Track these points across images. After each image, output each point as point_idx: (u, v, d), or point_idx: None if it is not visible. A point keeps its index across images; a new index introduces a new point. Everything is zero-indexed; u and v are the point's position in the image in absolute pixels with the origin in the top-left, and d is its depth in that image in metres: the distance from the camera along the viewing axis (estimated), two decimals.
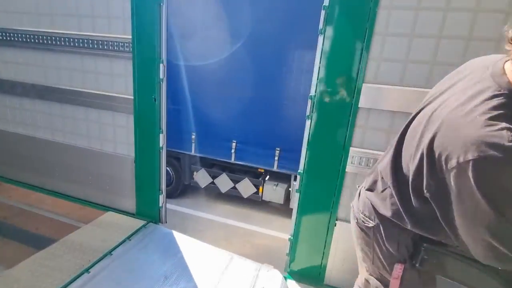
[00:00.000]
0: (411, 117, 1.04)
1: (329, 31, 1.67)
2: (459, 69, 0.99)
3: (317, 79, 1.74)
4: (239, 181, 4.30)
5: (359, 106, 1.69)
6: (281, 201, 4.21)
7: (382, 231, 1.06)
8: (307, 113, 1.83)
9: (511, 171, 0.68)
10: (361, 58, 1.63)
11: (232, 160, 4.17)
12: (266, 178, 4.28)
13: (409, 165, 0.93)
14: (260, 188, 4.26)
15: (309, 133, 1.83)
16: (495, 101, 0.73)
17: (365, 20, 1.58)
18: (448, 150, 0.77)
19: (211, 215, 4.13)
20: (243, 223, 4.04)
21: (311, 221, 1.97)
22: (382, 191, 1.06)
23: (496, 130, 0.69)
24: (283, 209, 4.33)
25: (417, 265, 0.99)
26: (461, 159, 0.72)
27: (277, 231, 3.82)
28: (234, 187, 4.34)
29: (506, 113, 0.72)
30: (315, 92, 1.77)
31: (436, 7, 1.49)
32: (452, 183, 0.77)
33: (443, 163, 0.78)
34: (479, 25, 1.45)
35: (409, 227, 0.97)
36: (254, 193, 4.29)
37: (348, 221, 1.79)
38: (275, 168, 4.01)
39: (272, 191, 4.22)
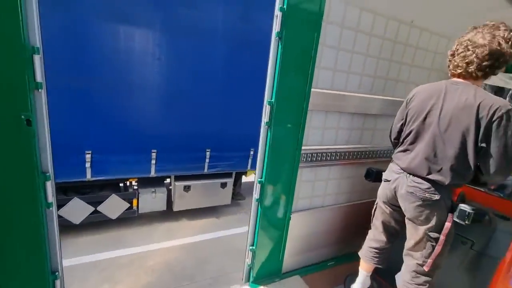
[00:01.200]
0: (418, 121, 1.52)
1: (287, 35, 1.62)
2: (427, 94, 1.52)
3: (276, 84, 1.68)
4: (103, 201, 3.23)
5: (308, 108, 1.85)
6: (164, 207, 3.70)
7: (440, 194, 1.44)
8: (266, 119, 1.74)
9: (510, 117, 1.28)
10: (310, 65, 1.76)
11: (88, 178, 3.01)
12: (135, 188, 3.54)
13: (464, 144, 1.37)
14: (135, 200, 3.46)
15: (269, 139, 1.77)
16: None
17: (315, 30, 1.70)
18: (491, 114, 1.29)
19: (71, 259, 2.86)
20: (121, 250, 3.18)
21: (270, 223, 2.00)
22: (439, 170, 1.44)
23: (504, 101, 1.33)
24: (161, 214, 3.85)
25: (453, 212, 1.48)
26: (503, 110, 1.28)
27: (169, 240, 3.39)
28: (95, 211, 3.22)
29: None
30: (273, 98, 1.70)
31: (353, 29, 1.90)
32: (497, 131, 1.29)
33: (490, 121, 1.29)
34: (385, 49, 2.04)
35: (455, 184, 1.45)
36: (126, 210, 3.42)
37: (299, 210, 2.05)
38: (152, 174, 3.38)
39: (152, 200, 3.57)
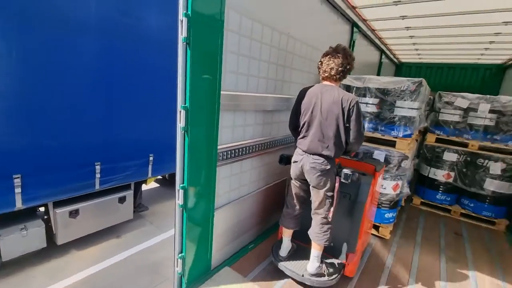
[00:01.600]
0: (308, 114, 2.05)
1: (194, 40, 1.65)
2: (311, 95, 2.06)
3: (189, 89, 1.69)
4: None
5: (220, 109, 1.96)
6: (44, 244, 2.91)
7: (330, 165, 2.01)
8: (181, 125, 1.72)
9: (358, 106, 1.97)
10: (218, 69, 1.86)
11: None
12: None
13: (338, 126, 1.97)
14: None
15: (187, 144, 1.77)
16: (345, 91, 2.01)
17: (219, 36, 1.80)
18: (349, 104, 1.92)
19: None
20: None
21: (196, 226, 2.02)
22: (327, 147, 2.00)
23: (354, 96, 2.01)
24: (38, 253, 3.03)
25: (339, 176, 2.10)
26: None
27: (57, 282, 2.74)
28: None
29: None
30: (187, 102, 1.71)
31: (248, 37, 2.13)
32: (353, 114, 1.93)
33: (349, 109, 1.93)
34: (273, 55, 2.36)
35: (337, 155, 2.05)
36: None
37: (221, 206, 2.20)
38: (18, 206, 2.60)
39: (22, 240, 2.75)
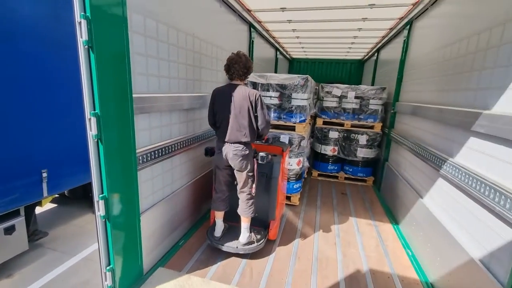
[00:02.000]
0: (224, 110, 2.37)
1: (97, 43, 1.57)
2: (223, 94, 2.34)
3: (97, 94, 1.61)
4: None
5: (134, 113, 1.93)
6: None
7: (248, 150, 2.40)
8: (93, 132, 1.64)
9: (262, 99, 2.39)
10: (127, 71, 1.82)
11: None
12: None
13: (250, 116, 2.34)
14: None
15: (103, 152, 1.70)
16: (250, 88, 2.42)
17: (123, 38, 1.76)
18: (255, 98, 2.32)
19: None
20: None
21: (122, 234, 1.96)
22: (244, 134, 2.37)
23: (257, 91, 2.54)
24: None
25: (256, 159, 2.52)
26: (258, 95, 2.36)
27: None
28: None
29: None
30: (97, 109, 1.63)
31: (155, 38, 2.14)
32: (259, 105, 2.33)
33: (255, 101, 2.33)
34: (181, 55, 2.43)
35: (252, 141, 2.45)
36: None
37: (147, 209, 2.22)
38: None
39: None
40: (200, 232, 3.05)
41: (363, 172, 5.02)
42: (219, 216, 2.69)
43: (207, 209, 3.44)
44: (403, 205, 3.33)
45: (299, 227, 3.28)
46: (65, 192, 4.57)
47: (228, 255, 2.62)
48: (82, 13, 1.50)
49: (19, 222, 3.10)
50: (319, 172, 5.23)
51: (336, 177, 5.18)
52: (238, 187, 2.55)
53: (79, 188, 4.08)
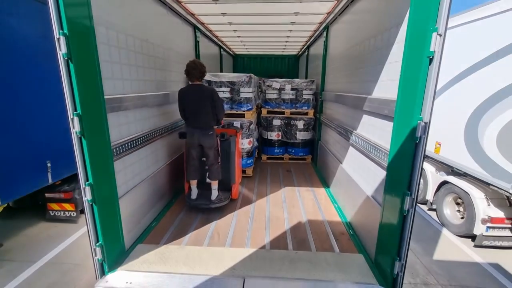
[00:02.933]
0: (192, 105, 3.19)
1: (74, 55, 1.89)
2: (189, 92, 3.21)
3: (78, 97, 1.93)
4: None
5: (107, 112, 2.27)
6: None
7: (212, 132, 3.30)
8: (77, 129, 1.95)
9: (217, 94, 3.34)
10: (98, 77, 2.15)
11: None
12: None
13: (210, 107, 3.21)
14: None
15: (86, 146, 2.02)
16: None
17: (94, 49, 2.09)
18: (212, 93, 3.24)
19: None
20: None
21: (105, 215, 2.29)
22: (208, 120, 3.25)
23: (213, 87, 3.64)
24: None
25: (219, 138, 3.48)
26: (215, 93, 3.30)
27: None
28: None
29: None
30: (79, 109, 1.95)
31: (117, 47, 2.48)
32: (216, 98, 3.24)
33: (212, 96, 3.22)
34: (143, 60, 2.80)
35: (214, 124, 3.39)
36: None
37: (125, 194, 2.59)
38: None
39: None
40: (172, 211, 3.54)
41: (303, 152, 5.96)
42: (193, 183, 3.53)
43: (176, 190, 4.02)
44: (331, 172, 4.28)
45: (253, 199, 3.96)
46: (10, 203, 4.37)
47: (198, 225, 3.13)
48: (61, 30, 1.81)
49: None
50: (267, 156, 6.00)
51: (282, 159, 6.02)
52: (208, 161, 3.44)
53: (26, 197, 4.02)
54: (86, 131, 2.03)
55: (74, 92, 1.93)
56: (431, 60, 1.71)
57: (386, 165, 2.22)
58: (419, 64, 1.76)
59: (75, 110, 1.96)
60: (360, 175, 3.00)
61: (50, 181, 4.26)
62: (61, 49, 1.83)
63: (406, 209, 1.94)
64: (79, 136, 2.00)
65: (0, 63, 3.38)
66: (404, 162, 1.94)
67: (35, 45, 3.83)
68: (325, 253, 2.63)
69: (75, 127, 1.96)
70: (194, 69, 3.10)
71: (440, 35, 1.65)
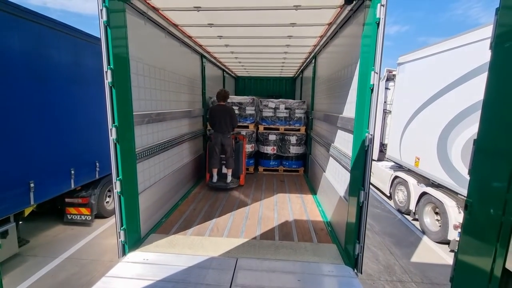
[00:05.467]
0: (218, 118, 4.94)
1: (116, 83, 2.60)
2: (217, 109, 5.04)
3: (116, 113, 2.62)
4: None
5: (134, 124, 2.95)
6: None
7: (231, 136, 5.08)
8: (114, 137, 2.62)
9: (234, 111, 5.26)
10: (130, 98, 2.86)
11: None
12: None
13: (229, 120, 5.00)
14: None
15: (119, 150, 2.68)
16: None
17: (128, 79, 2.81)
18: (230, 111, 5.07)
19: None
20: None
21: (128, 205, 2.91)
22: (228, 128, 5.02)
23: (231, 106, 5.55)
24: None
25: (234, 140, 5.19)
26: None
27: None
28: None
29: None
30: (117, 122, 2.63)
31: (142, 75, 3.21)
32: (233, 114, 5.11)
33: (231, 112, 5.08)
34: (166, 85, 3.51)
35: (231, 132, 5.21)
36: None
37: (143, 190, 3.20)
38: None
39: None
40: (181, 207, 4.18)
41: (296, 164, 6.58)
42: (214, 171, 5.13)
43: (183, 192, 4.78)
44: (318, 181, 4.88)
45: (249, 203, 4.54)
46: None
47: (200, 221, 3.71)
48: (108, 65, 2.53)
49: (11, 227, 3.65)
50: (264, 168, 6.61)
51: (277, 170, 6.63)
52: (226, 154, 5.07)
53: (47, 202, 4.57)
54: (120, 139, 2.70)
55: (114, 110, 2.62)
56: (372, 90, 2.38)
57: (350, 168, 2.84)
58: (365, 92, 2.44)
59: (114, 122, 2.64)
60: (336, 180, 3.61)
61: (72, 186, 4.88)
62: (108, 79, 2.54)
63: (362, 201, 2.54)
64: (115, 142, 2.66)
65: (44, 92, 4.15)
66: (359, 165, 2.57)
67: (71, 72, 4.62)
68: (305, 243, 3.19)
69: (112, 135, 2.63)
70: (220, 94, 4.95)
71: (377, 73, 2.34)
